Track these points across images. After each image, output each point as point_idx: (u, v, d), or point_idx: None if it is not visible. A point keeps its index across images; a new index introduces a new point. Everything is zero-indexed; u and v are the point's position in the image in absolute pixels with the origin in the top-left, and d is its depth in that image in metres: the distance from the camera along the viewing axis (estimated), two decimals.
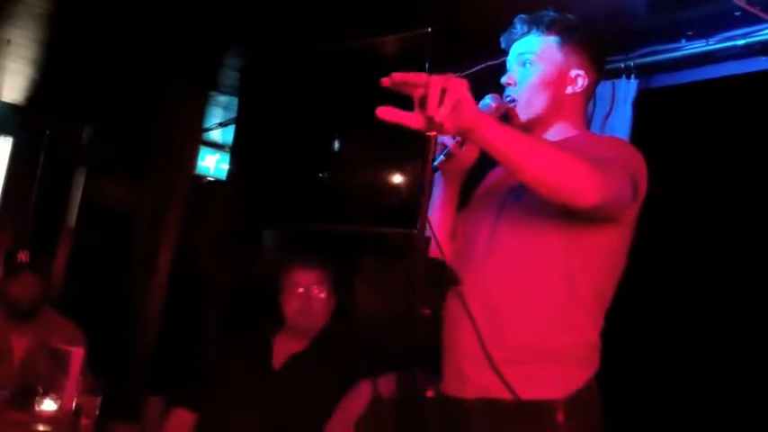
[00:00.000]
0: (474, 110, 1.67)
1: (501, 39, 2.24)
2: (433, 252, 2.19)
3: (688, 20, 3.24)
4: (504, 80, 2.16)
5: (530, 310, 1.97)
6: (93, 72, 5.27)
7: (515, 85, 2.13)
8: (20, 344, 3.74)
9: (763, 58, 3.18)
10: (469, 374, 2.00)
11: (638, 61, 3.46)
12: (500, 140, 1.72)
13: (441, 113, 1.62)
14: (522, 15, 2.18)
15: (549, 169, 1.74)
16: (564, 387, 1.94)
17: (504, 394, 1.93)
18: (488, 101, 2.06)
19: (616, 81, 3.47)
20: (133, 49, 4.74)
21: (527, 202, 2.03)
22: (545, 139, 1.83)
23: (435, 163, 2.00)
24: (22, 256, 3.84)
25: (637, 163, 1.98)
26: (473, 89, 1.68)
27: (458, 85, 1.64)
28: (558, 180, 1.74)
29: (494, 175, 2.32)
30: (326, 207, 3.84)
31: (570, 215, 1.89)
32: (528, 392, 1.92)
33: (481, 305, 2.02)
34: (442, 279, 2.15)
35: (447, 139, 2.00)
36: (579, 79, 2.14)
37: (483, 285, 2.04)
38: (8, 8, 4.25)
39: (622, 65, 3.47)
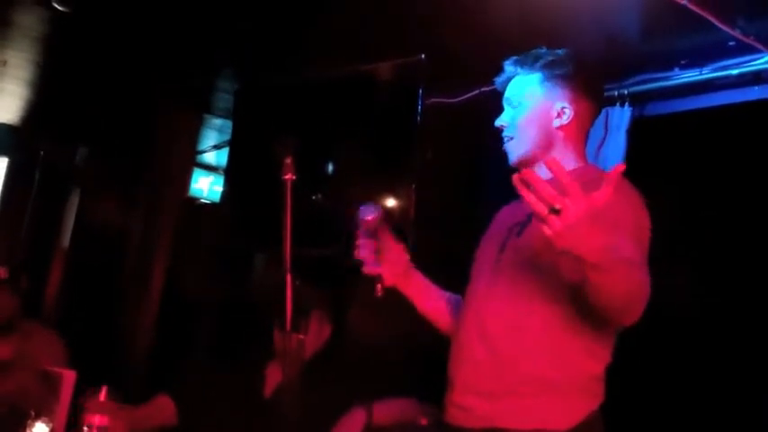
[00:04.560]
0: (590, 242, 1.60)
1: (496, 83, 2.31)
2: None
3: (682, 49, 3.26)
4: (497, 124, 2.23)
5: (531, 342, 1.99)
6: (87, 93, 5.28)
7: (507, 126, 2.20)
8: (1, 353, 3.72)
9: (757, 87, 3.20)
10: (474, 406, 2.02)
11: (632, 89, 3.47)
12: (603, 276, 1.66)
13: (563, 231, 1.57)
14: (510, 58, 2.25)
15: (625, 301, 1.74)
16: (567, 418, 1.95)
17: (509, 425, 1.95)
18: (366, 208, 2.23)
19: (610, 109, 3.48)
20: (127, 71, 4.75)
21: (527, 238, 2.06)
22: (630, 262, 1.75)
23: (378, 295, 2.19)
24: (0, 273, 3.82)
25: (647, 226, 2.00)
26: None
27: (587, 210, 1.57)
28: (623, 309, 1.77)
29: (499, 217, 2.35)
30: (319, 230, 3.84)
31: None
32: (532, 423, 1.94)
33: (483, 338, 2.04)
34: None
35: (367, 269, 2.21)
36: (566, 111, 2.16)
37: (485, 319, 2.07)
38: (4, 30, 4.27)
39: (616, 92, 3.48)
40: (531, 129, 2.16)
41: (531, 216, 2.09)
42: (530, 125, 2.16)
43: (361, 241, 2.20)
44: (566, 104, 2.16)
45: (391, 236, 2.25)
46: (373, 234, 2.19)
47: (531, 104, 2.16)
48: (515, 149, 2.17)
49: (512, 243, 2.10)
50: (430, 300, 2.36)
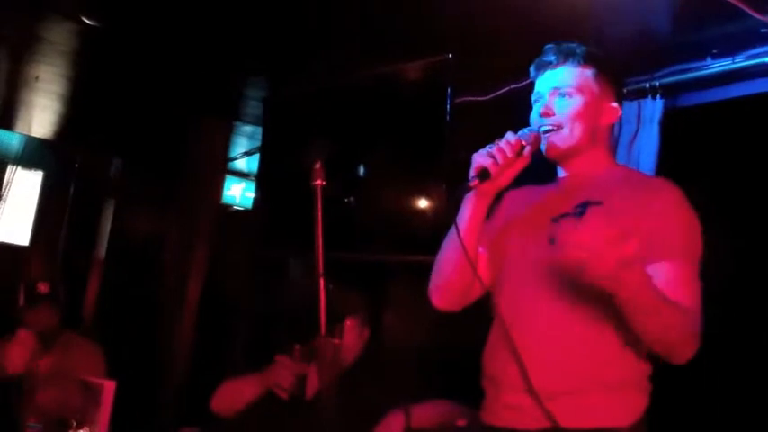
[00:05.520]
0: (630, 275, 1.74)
1: (531, 67, 2.25)
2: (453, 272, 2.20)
3: (713, 38, 3.21)
4: (540, 110, 2.15)
5: (590, 339, 1.96)
6: (119, 105, 5.33)
7: (553, 115, 2.14)
8: (41, 365, 3.76)
9: None
10: (528, 405, 1.98)
11: (664, 81, 3.42)
12: (637, 306, 1.80)
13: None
14: (553, 45, 2.20)
15: (666, 335, 1.86)
16: (628, 415, 1.95)
17: (569, 424, 1.93)
18: (527, 131, 2.10)
19: (642, 101, 3.43)
20: (158, 82, 4.79)
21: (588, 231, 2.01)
22: (667, 300, 1.85)
23: (470, 183, 2.03)
24: (42, 287, 3.86)
25: (701, 236, 2.00)
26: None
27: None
28: (672, 345, 1.89)
29: (533, 195, 2.30)
30: (353, 234, 3.84)
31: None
32: (594, 421, 1.93)
33: (539, 335, 2.01)
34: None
35: (484, 159, 2.01)
36: (615, 111, 2.18)
37: (540, 314, 2.02)
38: (36, 46, 4.31)
39: (647, 85, 3.43)
40: (583, 122, 2.13)
41: (584, 207, 2.06)
42: (583, 118, 2.13)
43: (504, 145, 2.05)
44: (616, 105, 2.18)
45: (521, 166, 2.12)
46: (519, 152, 2.07)
47: (586, 98, 2.13)
48: (563, 140, 2.13)
49: (566, 234, 2.05)
50: (475, 235, 2.19)
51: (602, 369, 1.95)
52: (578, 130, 2.13)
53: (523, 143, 2.07)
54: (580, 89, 2.13)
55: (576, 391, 1.95)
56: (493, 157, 2.01)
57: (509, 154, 2.03)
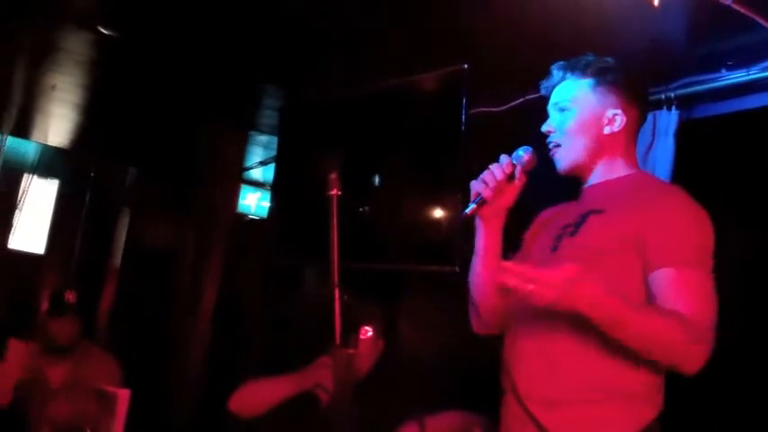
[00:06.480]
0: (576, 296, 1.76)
1: (541, 87, 2.27)
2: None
3: (727, 50, 3.21)
4: (544, 129, 2.19)
5: (597, 347, 1.95)
6: (135, 115, 5.37)
7: (554, 131, 2.16)
8: (56, 375, 3.78)
9: None
10: (536, 415, 1.98)
11: (679, 92, 3.41)
12: (602, 321, 1.81)
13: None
14: (559, 62, 2.21)
15: (650, 345, 1.85)
16: (633, 425, 1.94)
17: None
18: (521, 153, 2.13)
19: (657, 112, 3.43)
20: (174, 92, 4.81)
21: (583, 239, 2.03)
22: (645, 310, 1.87)
23: (466, 211, 2.08)
24: (69, 297, 3.88)
25: (710, 240, 1.99)
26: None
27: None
28: (665, 355, 1.87)
29: (542, 219, 2.33)
30: (368, 244, 3.84)
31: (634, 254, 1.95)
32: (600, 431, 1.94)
33: (545, 343, 2.01)
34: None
35: (478, 185, 2.07)
36: (617, 118, 2.14)
37: (541, 324, 2.02)
38: (52, 56, 4.35)
39: (663, 96, 3.43)
40: (581, 135, 2.13)
41: (585, 216, 2.08)
42: (580, 131, 2.13)
43: (495, 169, 2.10)
44: (618, 112, 2.14)
45: (519, 186, 2.17)
46: (512, 175, 2.11)
47: (581, 110, 2.13)
48: (565, 158, 2.15)
49: (567, 242, 2.07)
50: (495, 258, 2.23)
51: (609, 377, 1.95)
52: (576, 145, 2.14)
53: (515, 165, 2.11)
54: (575, 102, 2.14)
55: (581, 399, 1.95)
56: (485, 182, 2.08)
57: (498, 177, 2.08)
